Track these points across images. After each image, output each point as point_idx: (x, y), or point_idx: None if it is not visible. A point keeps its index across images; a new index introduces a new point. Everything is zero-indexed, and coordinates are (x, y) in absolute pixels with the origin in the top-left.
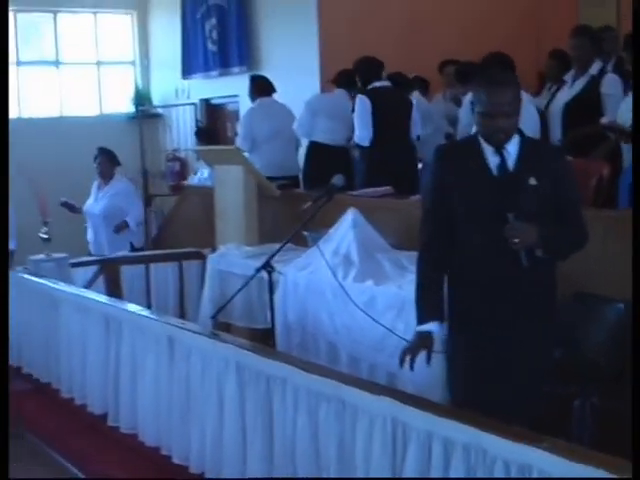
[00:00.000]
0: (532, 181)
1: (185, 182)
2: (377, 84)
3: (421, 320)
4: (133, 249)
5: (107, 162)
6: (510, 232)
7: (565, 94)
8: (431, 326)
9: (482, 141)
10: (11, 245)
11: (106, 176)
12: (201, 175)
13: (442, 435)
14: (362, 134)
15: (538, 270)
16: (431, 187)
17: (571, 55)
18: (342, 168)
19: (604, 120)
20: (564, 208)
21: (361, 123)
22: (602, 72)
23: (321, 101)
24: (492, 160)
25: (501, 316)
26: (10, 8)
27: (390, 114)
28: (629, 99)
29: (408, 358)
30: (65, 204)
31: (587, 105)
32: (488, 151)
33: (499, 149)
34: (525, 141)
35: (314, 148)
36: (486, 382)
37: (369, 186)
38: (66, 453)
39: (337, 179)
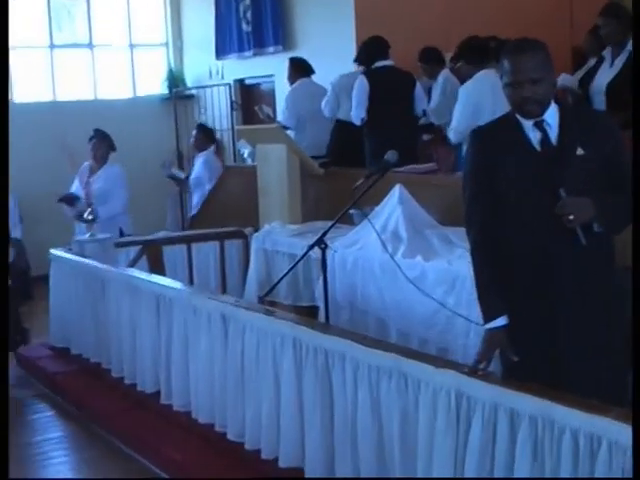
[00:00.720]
0: (579, 151)
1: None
2: (379, 64)
3: (489, 317)
4: (122, 235)
5: (103, 145)
6: (564, 209)
7: (606, 73)
8: (501, 321)
9: (519, 117)
10: (16, 234)
11: (100, 160)
12: (242, 154)
13: (508, 407)
14: (355, 113)
15: (597, 246)
16: (473, 173)
17: (602, 34)
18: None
19: None
20: (616, 175)
21: (356, 102)
22: None
23: (342, 81)
24: (532, 135)
25: (562, 297)
26: None
27: (389, 92)
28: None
29: (483, 365)
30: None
31: (630, 82)
32: (527, 126)
33: (537, 122)
34: (565, 110)
35: (338, 126)
36: (549, 367)
37: (375, 161)
38: (119, 432)
39: (391, 155)
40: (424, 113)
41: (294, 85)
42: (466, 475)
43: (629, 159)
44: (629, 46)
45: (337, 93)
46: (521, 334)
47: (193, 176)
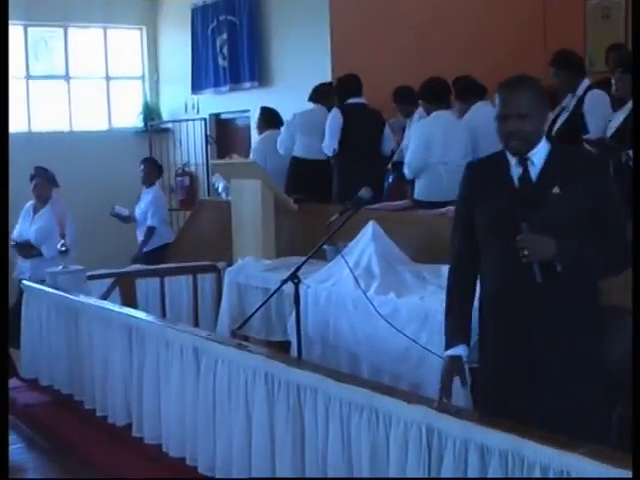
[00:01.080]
0: (555, 190)
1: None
2: (352, 100)
3: (449, 345)
4: None
5: (46, 183)
6: (521, 243)
7: (560, 119)
8: (459, 349)
9: (508, 154)
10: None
11: (44, 199)
12: (216, 189)
13: (479, 442)
14: (327, 143)
15: (561, 286)
16: (457, 203)
17: (554, 84)
18: (319, 180)
19: (588, 136)
20: (602, 221)
21: (329, 133)
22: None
23: (297, 119)
24: (515, 171)
25: (523, 333)
26: (21, 22)
27: (360, 129)
28: (618, 115)
29: (447, 387)
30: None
31: (574, 125)
32: (512, 163)
33: (521, 159)
34: (555, 149)
35: (294, 163)
36: (516, 401)
37: (344, 194)
38: (90, 465)
39: (365, 192)
40: (392, 153)
41: (261, 136)
42: None
43: (622, 212)
44: (579, 91)
45: (292, 132)
46: (495, 368)
47: (139, 212)
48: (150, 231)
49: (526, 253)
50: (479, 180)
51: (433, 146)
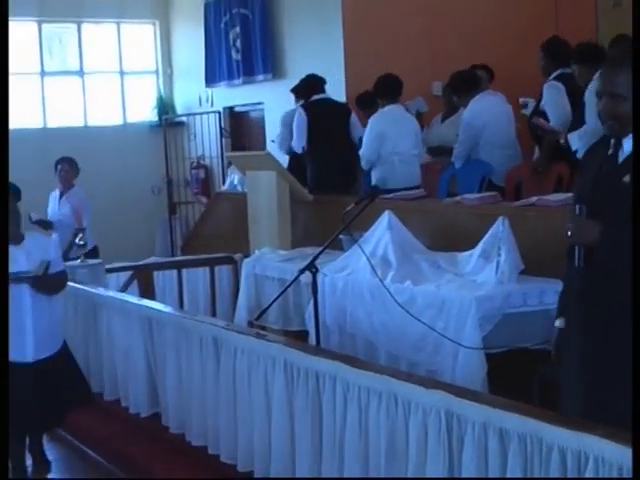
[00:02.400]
0: (626, 178)
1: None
2: (316, 97)
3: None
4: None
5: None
6: (568, 224)
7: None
8: (558, 322)
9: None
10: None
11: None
12: (232, 181)
13: (498, 426)
14: (296, 143)
15: (597, 274)
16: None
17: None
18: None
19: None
20: None
21: (296, 133)
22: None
23: (288, 117)
24: (607, 153)
25: (573, 319)
26: (34, 19)
27: (326, 122)
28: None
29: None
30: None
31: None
32: (611, 144)
33: (616, 141)
34: None
35: (291, 158)
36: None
37: (319, 186)
38: (112, 456)
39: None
40: (360, 140)
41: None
42: None
43: None
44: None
45: (286, 128)
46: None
47: (59, 215)
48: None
49: (569, 233)
50: (586, 161)
51: (386, 138)
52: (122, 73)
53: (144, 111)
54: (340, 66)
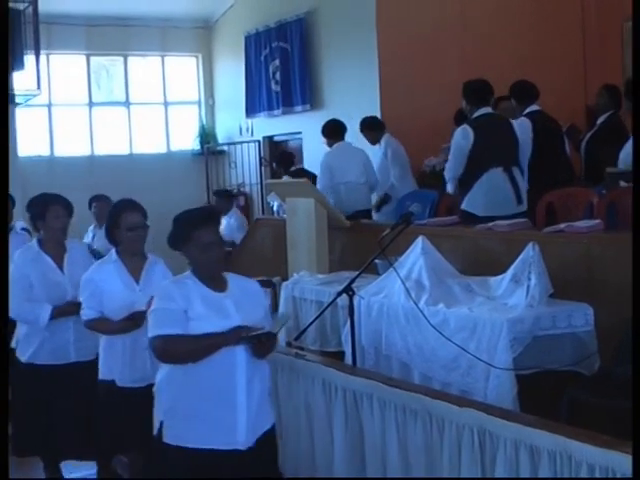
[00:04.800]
0: None
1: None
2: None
3: None
4: None
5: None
6: None
7: None
8: None
9: None
10: None
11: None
12: (271, 207)
13: (529, 443)
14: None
15: None
16: None
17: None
18: None
19: None
20: None
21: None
22: None
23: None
24: None
25: None
26: (83, 52)
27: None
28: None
29: None
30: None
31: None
32: None
33: None
34: None
35: None
36: None
37: None
38: None
39: (415, 207)
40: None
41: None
42: None
43: None
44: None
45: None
46: None
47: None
48: None
49: None
50: None
51: (334, 171)
52: (166, 104)
53: (187, 140)
54: (376, 97)
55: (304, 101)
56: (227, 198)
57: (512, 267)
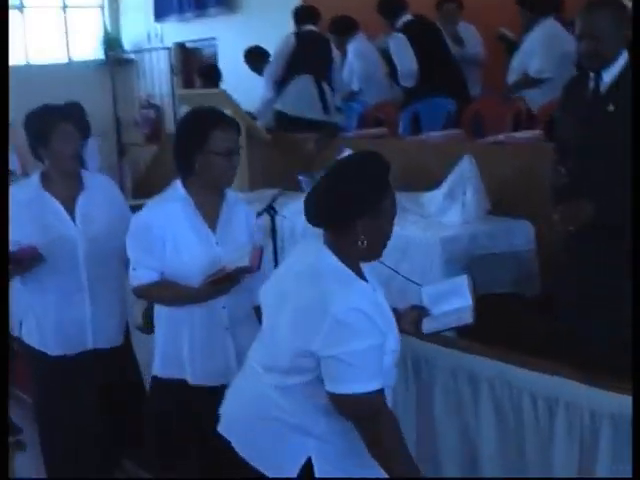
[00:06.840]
0: (610, 107)
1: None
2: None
3: None
4: None
5: None
6: (555, 213)
7: None
8: None
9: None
10: None
11: None
12: None
13: (467, 370)
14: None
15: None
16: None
17: None
18: None
19: None
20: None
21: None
22: None
23: None
24: (589, 88)
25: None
26: None
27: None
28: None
29: None
30: None
31: None
32: (591, 77)
33: (595, 75)
34: (627, 68)
35: None
36: None
37: None
38: None
39: (340, 118)
40: None
41: None
42: None
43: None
44: None
45: None
46: None
47: None
48: None
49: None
50: (564, 99)
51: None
52: (65, 7)
53: (89, 48)
54: None
55: (218, 3)
56: None
57: (446, 182)
